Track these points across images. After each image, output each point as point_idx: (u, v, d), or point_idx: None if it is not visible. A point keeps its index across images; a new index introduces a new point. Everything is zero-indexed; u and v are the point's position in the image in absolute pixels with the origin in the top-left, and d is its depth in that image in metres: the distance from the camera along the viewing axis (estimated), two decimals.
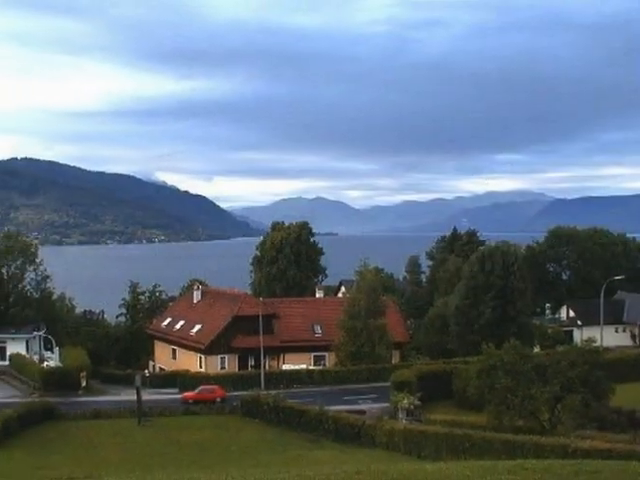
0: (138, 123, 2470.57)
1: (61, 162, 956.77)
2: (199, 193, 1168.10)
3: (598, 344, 65.17)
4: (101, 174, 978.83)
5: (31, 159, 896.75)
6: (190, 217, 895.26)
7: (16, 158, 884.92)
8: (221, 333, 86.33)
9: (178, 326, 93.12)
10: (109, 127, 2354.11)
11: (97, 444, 55.33)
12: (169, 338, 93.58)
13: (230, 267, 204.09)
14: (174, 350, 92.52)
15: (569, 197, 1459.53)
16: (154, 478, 16.79)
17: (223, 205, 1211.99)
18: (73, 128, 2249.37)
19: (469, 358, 73.67)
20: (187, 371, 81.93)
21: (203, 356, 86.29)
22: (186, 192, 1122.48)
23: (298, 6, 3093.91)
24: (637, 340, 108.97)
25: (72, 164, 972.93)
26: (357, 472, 15.97)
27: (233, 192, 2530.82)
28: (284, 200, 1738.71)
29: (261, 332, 79.42)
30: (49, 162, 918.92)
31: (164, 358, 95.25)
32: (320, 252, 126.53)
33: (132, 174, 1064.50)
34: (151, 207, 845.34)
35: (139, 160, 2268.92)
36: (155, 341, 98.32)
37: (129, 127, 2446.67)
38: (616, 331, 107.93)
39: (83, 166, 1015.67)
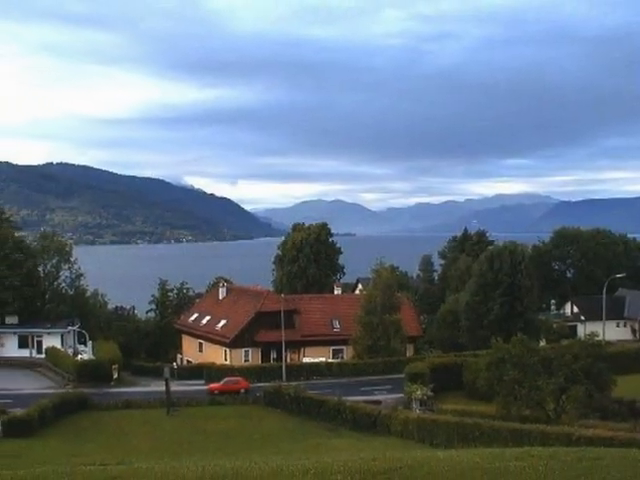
0: (166, 129, 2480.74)
1: (94, 166, 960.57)
2: (224, 196, 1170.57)
3: (600, 338, 64.88)
4: (132, 178, 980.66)
5: (66, 164, 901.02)
6: (216, 218, 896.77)
7: (52, 163, 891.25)
8: (245, 328, 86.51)
9: (204, 321, 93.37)
10: (139, 133, 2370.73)
11: (128, 432, 55.58)
12: (196, 332, 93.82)
13: (253, 266, 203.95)
14: (200, 344, 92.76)
15: (573, 199, 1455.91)
16: (182, 465, 16.87)
17: (247, 207, 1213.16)
18: (105, 134, 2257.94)
19: (479, 351, 73.57)
20: (213, 364, 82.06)
21: (228, 349, 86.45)
22: (212, 195, 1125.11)
23: (316, 19, 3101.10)
24: (637, 334, 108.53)
25: (104, 168, 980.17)
26: (373, 459, 16.02)
27: (256, 195, 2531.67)
28: (304, 202, 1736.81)
29: (283, 327, 79.50)
30: (83, 166, 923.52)
31: (191, 351, 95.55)
32: (338, 251, 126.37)
33: (161, 178, 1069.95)
34: (179, 209, 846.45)
35: (168, 165, 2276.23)
36: (183, 335, 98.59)
37: (158, 133, 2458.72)
38: (617, 326, 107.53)
39: (115, 170, 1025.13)
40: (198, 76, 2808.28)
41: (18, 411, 55.40)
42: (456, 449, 28.56)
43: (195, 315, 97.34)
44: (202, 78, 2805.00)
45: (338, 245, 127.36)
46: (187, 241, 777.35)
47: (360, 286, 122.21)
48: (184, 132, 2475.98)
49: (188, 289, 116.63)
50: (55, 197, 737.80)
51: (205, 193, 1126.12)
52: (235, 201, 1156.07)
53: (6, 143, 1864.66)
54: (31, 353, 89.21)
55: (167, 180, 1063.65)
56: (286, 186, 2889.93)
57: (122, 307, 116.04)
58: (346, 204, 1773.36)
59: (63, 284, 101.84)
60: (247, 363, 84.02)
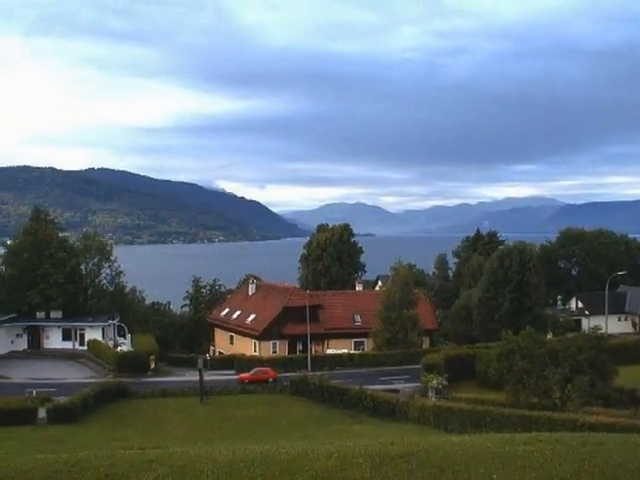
0: (199, 137, 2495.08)
1: (132, 172, 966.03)
2: (254, 199, 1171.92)
3: (603, 331, 64.59)
4: (168, 182, 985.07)
5: (106, 169, 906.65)
6: (245, 220, 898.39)
7: (93, 168, 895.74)
8: (273, 321, 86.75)
9: (235, 315, 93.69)
10: (174, 141, 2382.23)
11: (164, 419, 55.74)
12: (227, 326, 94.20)
13: (281, 264, 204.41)
14: (232, 336, 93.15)
15: (578, 202, 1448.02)
16: (214, 449, 17.00)
17: (274, 209, 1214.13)
18: (143, 142, 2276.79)
19: (490, 344, 73.26)
20: (243, 355, 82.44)
21: (257, 342, 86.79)
22: (242, 198, 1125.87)
23: (340, 35, 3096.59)
24: (637, 328, 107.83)
25: (142, 173, 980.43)
26: (392, 443, 16.04)
27: (283, 198, 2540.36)
28: (328, 205, 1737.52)
29: (308, 320, 79.71)
30: (122, 172, 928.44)
31: (223, 343, 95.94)
32: (360, 251, 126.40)
33: (195, 182, 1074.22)
34: (212, 211, 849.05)
35: (201, 170, 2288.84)
36: (215, 328, 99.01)
37: (191, 141, 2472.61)
38: (619, 320, 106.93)
39: (151, 175, 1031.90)
40: (230, 88, 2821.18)
41: (62, 399, 55.79)
42: (469, 434, 28.47)
43: (226, 310, 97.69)
44: (234, 90, 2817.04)
45: (359, 245, 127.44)
46: (219, 241, 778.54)
47: (380, 283, 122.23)
48: (217, 140, 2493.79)
49: (220, 286, 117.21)
50: (96, 200, 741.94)
51: (236, 196, 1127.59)
52: (264, 204, 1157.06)
53: (51, 150, 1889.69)
54: (74, 345, 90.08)
55: (200, 184, 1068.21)
56: (311, 190, 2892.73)
57: (158, 302, 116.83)
58: (367, 206, 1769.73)
59: (104, 281, 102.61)
60: (275, 354, 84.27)
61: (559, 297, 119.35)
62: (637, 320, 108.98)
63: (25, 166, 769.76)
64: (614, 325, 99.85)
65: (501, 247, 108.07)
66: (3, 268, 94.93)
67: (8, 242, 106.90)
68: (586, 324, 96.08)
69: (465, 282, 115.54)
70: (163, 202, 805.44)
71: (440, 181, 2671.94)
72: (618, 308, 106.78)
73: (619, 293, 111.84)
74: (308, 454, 14.57)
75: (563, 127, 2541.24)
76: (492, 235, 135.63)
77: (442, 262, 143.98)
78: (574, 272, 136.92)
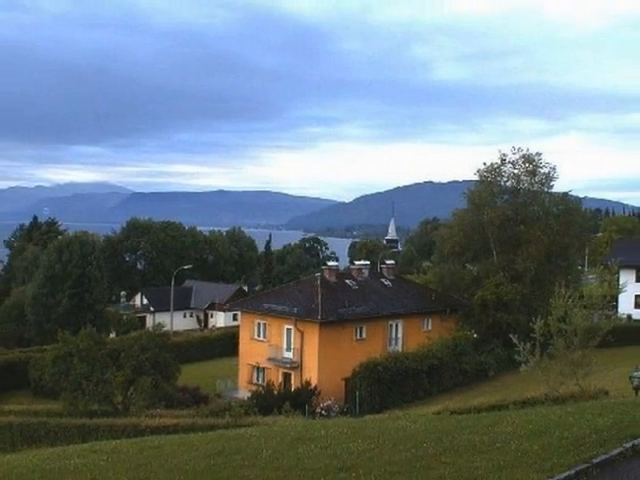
0: None
1: None
2: None
3: (167, 328, 67.41)
4: None
5: None
6: None
7: None
8: None
9: None
10: None
11: None
12: None
13: None
14: None
15: (146, 191, 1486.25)
16: None
17: None
18: None
19: (46, 346, 71.70)
20: None
21: None
22: None
23: None
24: (202, 324, 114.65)
25: None
26: None
27: None
28: None
29: None
30: None
31: None
32: None
33: None
34: None
35: None
36: None
37: None
38: (184, 316, 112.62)
39: None
40: None
41: None
42: (20, 452, 27.67)
43: None
44: None
45: None
46: None
47: None
48: None
49: None
50: None
51: None
52: None
53: None
54: None
55: None
56: None
57: None
58: None
59: None
60: None
61: (123, 293, 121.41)
62: (202, 316, 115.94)
63: None
64: (180, 321, 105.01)
65: (60, 237, 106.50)
66: None
67: None
68: (151, 321, 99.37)
69: (18, 277, 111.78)
70: None
71: None
72: (184, 304, 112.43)
73: (185, 288, 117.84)
74: None
75: (131, 107, 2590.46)
76: (51, 224, 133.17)
77: None
78: (140, 266, 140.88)
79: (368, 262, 76.04)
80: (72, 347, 46.91)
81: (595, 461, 12.40)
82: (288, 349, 59.13)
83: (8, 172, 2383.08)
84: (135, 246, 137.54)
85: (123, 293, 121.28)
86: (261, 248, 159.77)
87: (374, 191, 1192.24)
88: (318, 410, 48.73)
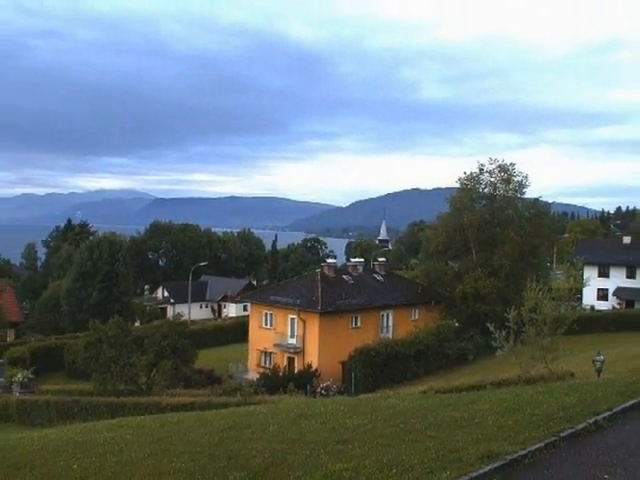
0: None
1: None
2: None
3: (186, 318, 67.44)
4: None
5: None
6: None
7: None
8: None
9: None
10: None
11: None
12: None
13: None
14: None
15: (167, 197, 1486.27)
16: None
17: None
18: None
19: (79, 334, 71.71)
20: None
21: None
22: None
23: None
24: (216, 314, 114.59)
25: None
26: None
27: None
28: None
29: None
30: None
31: None
32: None
33: None
34: None
35: None
36: None
37: None
38: (200, 307, 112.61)
39: None
40: None
41: None
42: (56, 427, 27.63)
43: None
44: None
45: None
46: None
47: None
48: None
49: None
50: None
51: None
52: None
53: None
54: None
55: None
56: None
57: None
58: None
59: None
60: None
61: (147, 286, 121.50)
62: (216, 307, 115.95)
63: None
64: (196, 312, 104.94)
65: (92, 238, 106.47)
66: None
67: None
68: (171, 312, 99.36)
69: (54, 273, 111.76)
70: None
71: (28, 168, 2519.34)
72: (200, 296, 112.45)
73: (201, 282, 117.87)
74: None
75: (153, 123, 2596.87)
76: (83, 225, 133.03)
77: (31, 252, 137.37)
78: (161, 263, 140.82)
79: (362, 260, 76.05)
80: (102, 334, 46.92)
81: (562, 435, 12.41)
82: (292, 336, 59.11)
83: (45, 180, 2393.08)
84: (157, 245, 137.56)
85: (146, 287, 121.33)
86: (268, 247, 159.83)
87: (367, 197, 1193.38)
88: (318, 390, 48.68)
